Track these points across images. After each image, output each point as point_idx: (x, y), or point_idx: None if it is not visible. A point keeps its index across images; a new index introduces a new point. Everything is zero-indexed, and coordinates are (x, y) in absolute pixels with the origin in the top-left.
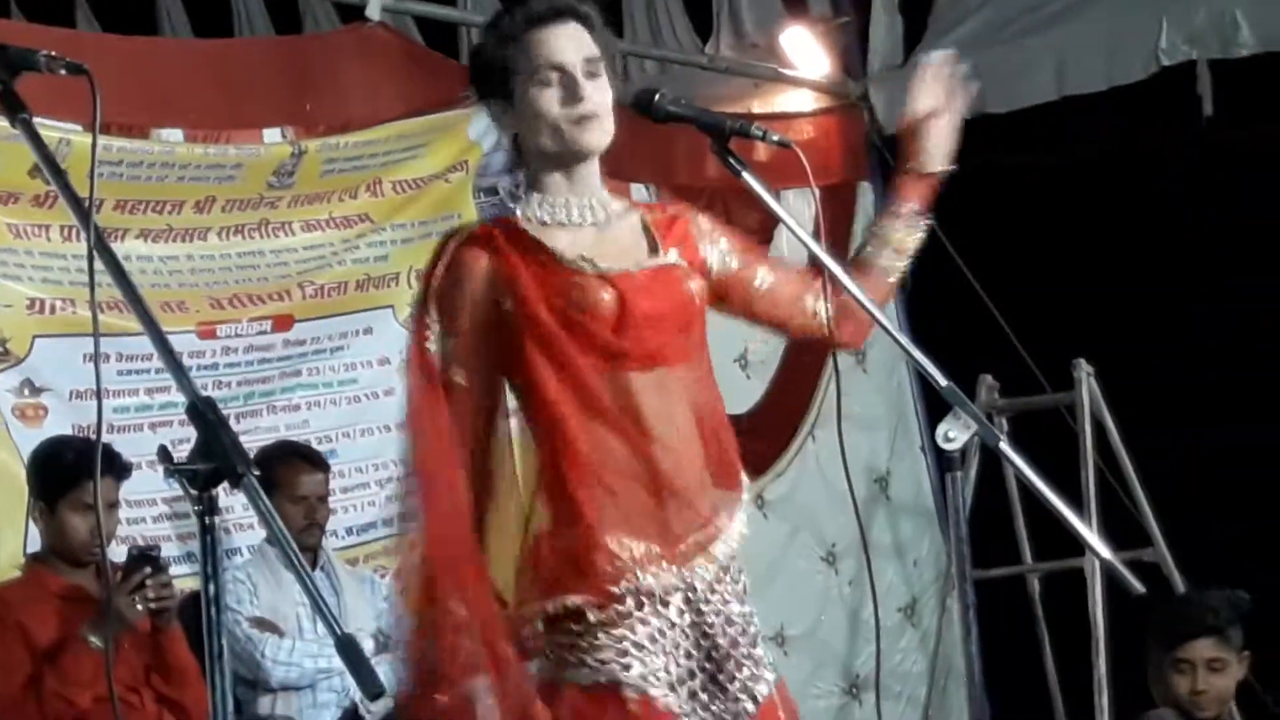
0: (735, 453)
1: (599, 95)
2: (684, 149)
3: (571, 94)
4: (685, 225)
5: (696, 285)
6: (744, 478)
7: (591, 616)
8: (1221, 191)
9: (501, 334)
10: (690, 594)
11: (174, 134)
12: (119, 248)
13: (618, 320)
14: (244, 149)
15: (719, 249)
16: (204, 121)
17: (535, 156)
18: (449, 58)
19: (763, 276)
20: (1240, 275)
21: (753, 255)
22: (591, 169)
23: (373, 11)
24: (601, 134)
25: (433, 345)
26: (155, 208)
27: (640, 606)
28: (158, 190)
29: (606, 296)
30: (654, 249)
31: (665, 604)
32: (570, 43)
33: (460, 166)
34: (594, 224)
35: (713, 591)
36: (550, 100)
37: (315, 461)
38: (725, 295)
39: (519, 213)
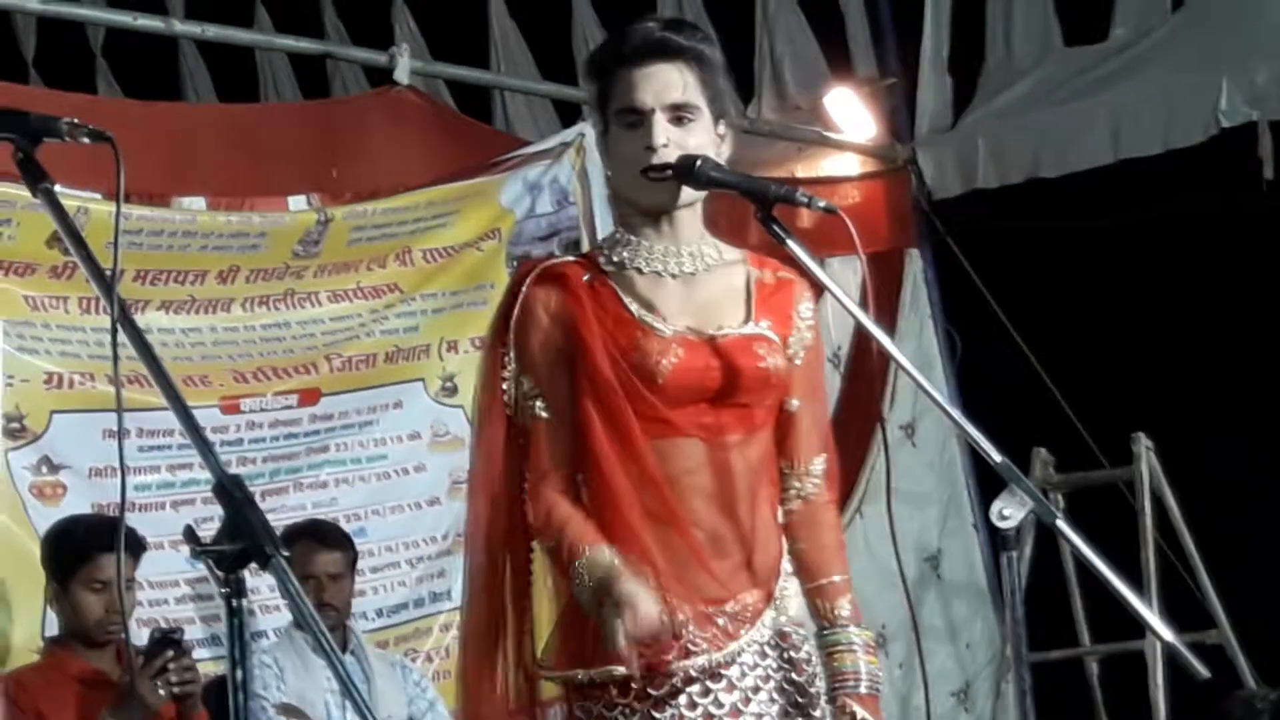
0: (778, 532)
1: (685, 141)
2: (727, 214)
3: (645, 140)
4: (789, 298)
5: (777, 361)
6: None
7: (634, 689)
8: None
9: (568, 368)
10: (727, 679)
11: (196, 202)
12: (140, 319)
13: (675, 387)
14: (268, 217)
15: (802, 340)
16: (227, 189)
17: (619, 197)
18: (481, 122)
19: (794, 404)
20: None
21: (806, 383)
22: (685, 217)
23: (402, 75)
24: (671, 189)
25: (507, 385)
26: (177, 278)
27: (690, 683)
28: (179, 260)
29: (667, 363)
30: (748, 315)
31: (718, 677)
32: (656, 84)
33: (493, 234)
34: (684, 275)
35: (773, 647)
36: (626, 144)
37: (326, 540)
38: None
39: (605, 251)
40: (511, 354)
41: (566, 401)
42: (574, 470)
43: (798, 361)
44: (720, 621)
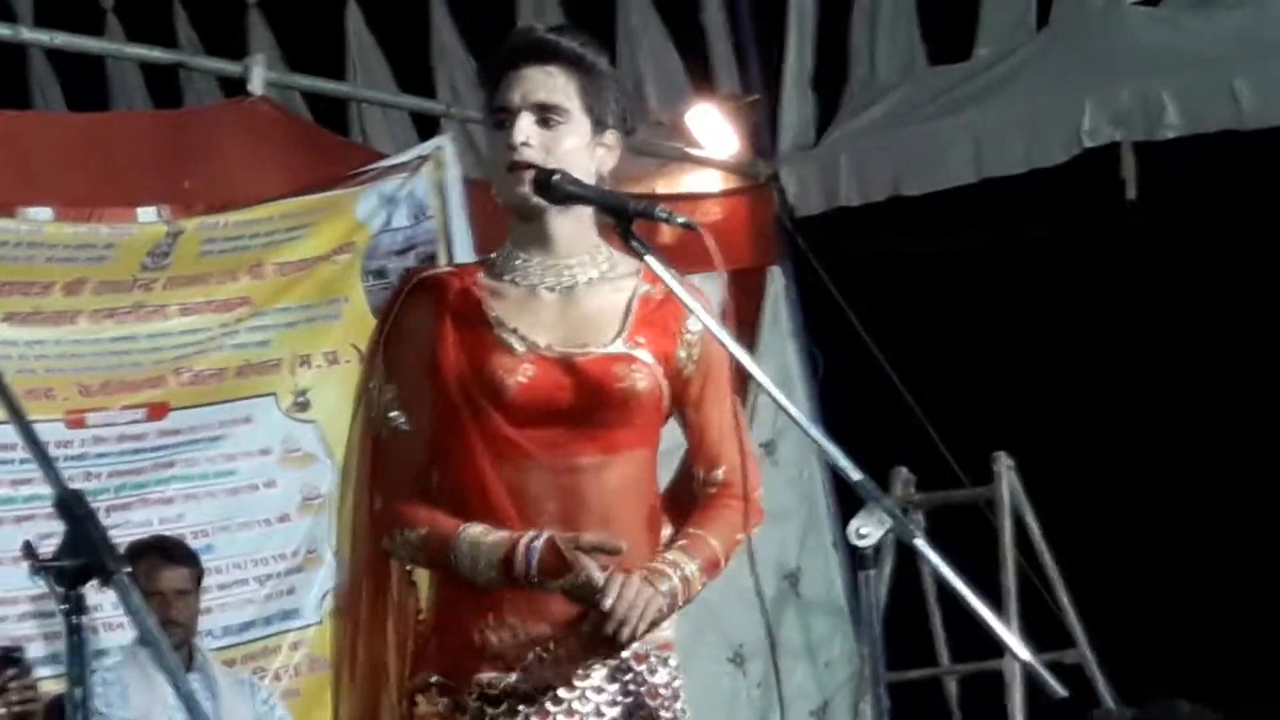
0: (653, 551)
1: (551, 143)
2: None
3: (507, 138)
4: (677, 312)
5: (643, 380)
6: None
7: (474, 701)
8: (1145, 277)
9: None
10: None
11: (43, 212)
12: None
13: (524, 408)
14: (117, 228)
15: (691, 351)
16: (76, 200)
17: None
18: (337, 133)
19: (690, 414)
20: (1165, 364)
21: (700, 390)
22: (565, 226)
23: (256, 85)
24: (531, 188)
25: (374, 391)
26: (22, 290)
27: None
28: (25, 271)
29: (514, 381)
30: (619, 332)
31: (558, 700)
32: (525, 85)
33: (347, 248)
34: (562, 289)
35: (623, 671)
36: (494, 144)
37: (172, 556)
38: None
39: (488, 263)
40: (380, 362)
41: (428, 419)
42: (425, 485)
43: (687, 374)
44: (567, 644)
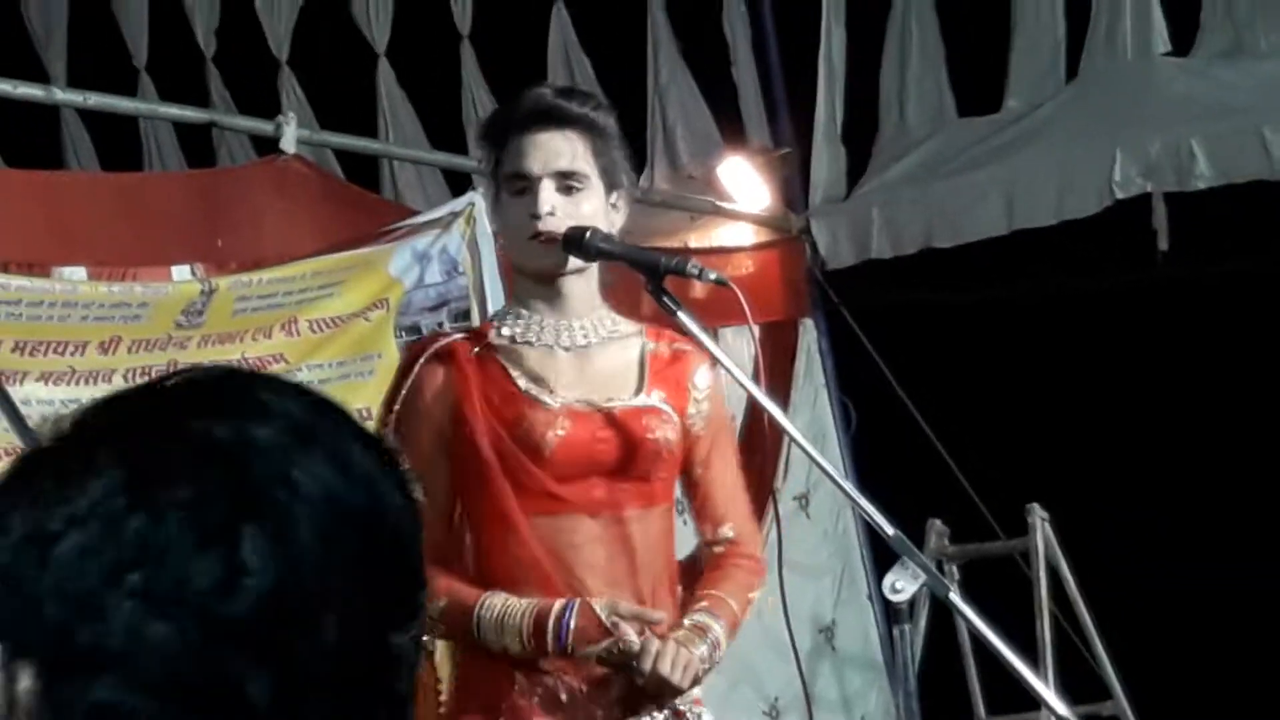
0: (674, 605)
1: (573, 209)
2: (618, 286)
3: (530, 207)
4: (684, 369)
5: (671, 433)
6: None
7: None
8: (1178, 328)
9: (454, 452)
10: None
11: (78, 272)
12: (18, 391)
13: (563, 461)
14: (151, 287)
15: (700, 409)
16: (109, 259)
17: (513, 264)
18: (369, 190)
19: (698, 472)
20: (1198, 415)
21: (709, 451)
22: (577, 287)
23: (288, 144)
24: (557, 254)
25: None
26: (57, 349)
27: None
28: (60, 331)
29: (553, 435)
30: (640, 386)
31: None
32: (544, 152)
33: (381, 304)
34: (576, 347)
35: None
36: (513, 211)
37: None
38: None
39: (497, 325)
40: (392, 435)
41: (444, 492)
42: (443, 558)
43: (696, 431)
44: (612, 698)
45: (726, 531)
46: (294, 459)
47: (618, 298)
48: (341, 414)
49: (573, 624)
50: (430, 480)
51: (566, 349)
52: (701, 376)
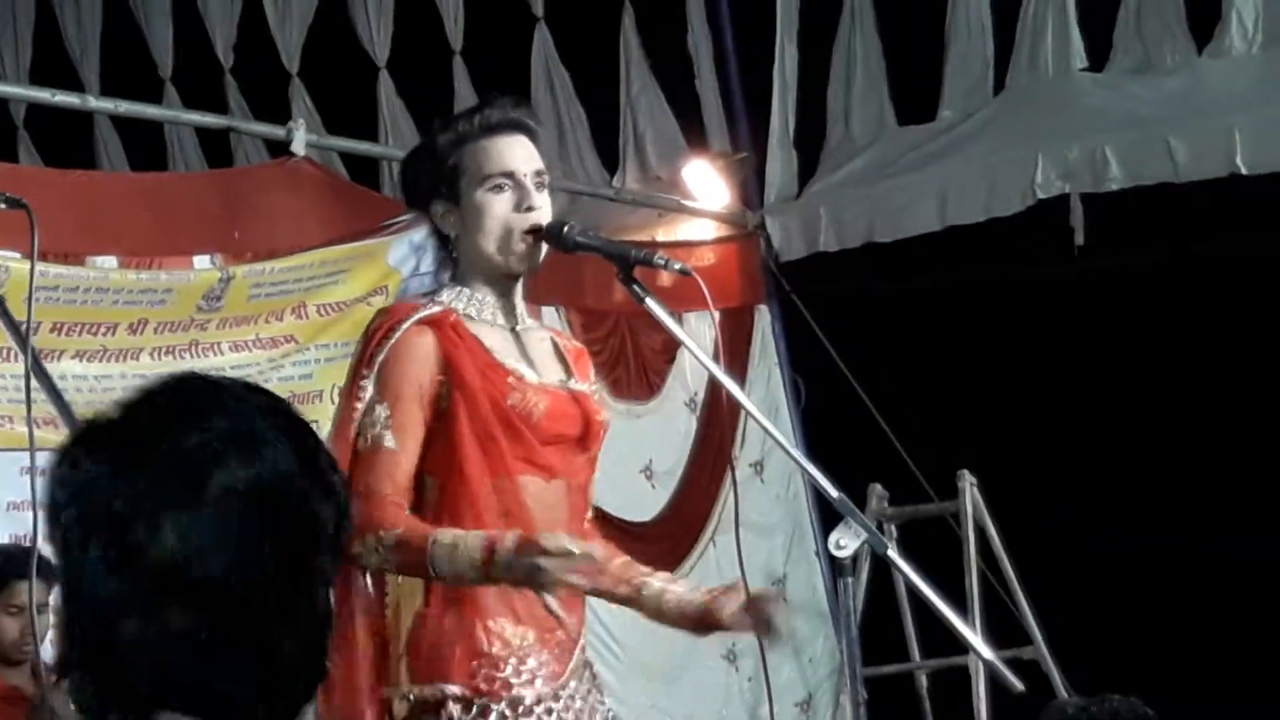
0: None
1: (546, 204)
2: (592, 275)
3: (523, 201)
4: (588, 362)
5: (603, 415)
6: None
7: (455, 712)
8: (1094, 315)
9: (438, 408)
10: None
11: (109, 261)
12: (55, 368)
13: (547, 429)
14: (175, 274)
15: (600, 398)
16: (138, 249)
17: (474, 260)
18: (370, 189)
19: None
20: (1112, 392)
21: None
22: (525, 278)
23: (298, 147)
24: (539, 251)
25: (358, 410)
26: (90, 330)
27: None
28: (93, 314)
29: (539, 406)
30: (569, 374)
31: (550, 711)
32: (523, 152)
33: (380, 291)
34: (513, 330)
35: (587, 694)
36: (502, 205)
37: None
38: None
39: (449, 304)
40: (372, 383)
41: (415, 440)
42: (403, 499)
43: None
44: (554, 650)
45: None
46: (231, 458)
47: (590, 286)
48: (283, 418)
49: (512, 542)
50: (407, 429)
51: (511, 330)
52: (593, 370)
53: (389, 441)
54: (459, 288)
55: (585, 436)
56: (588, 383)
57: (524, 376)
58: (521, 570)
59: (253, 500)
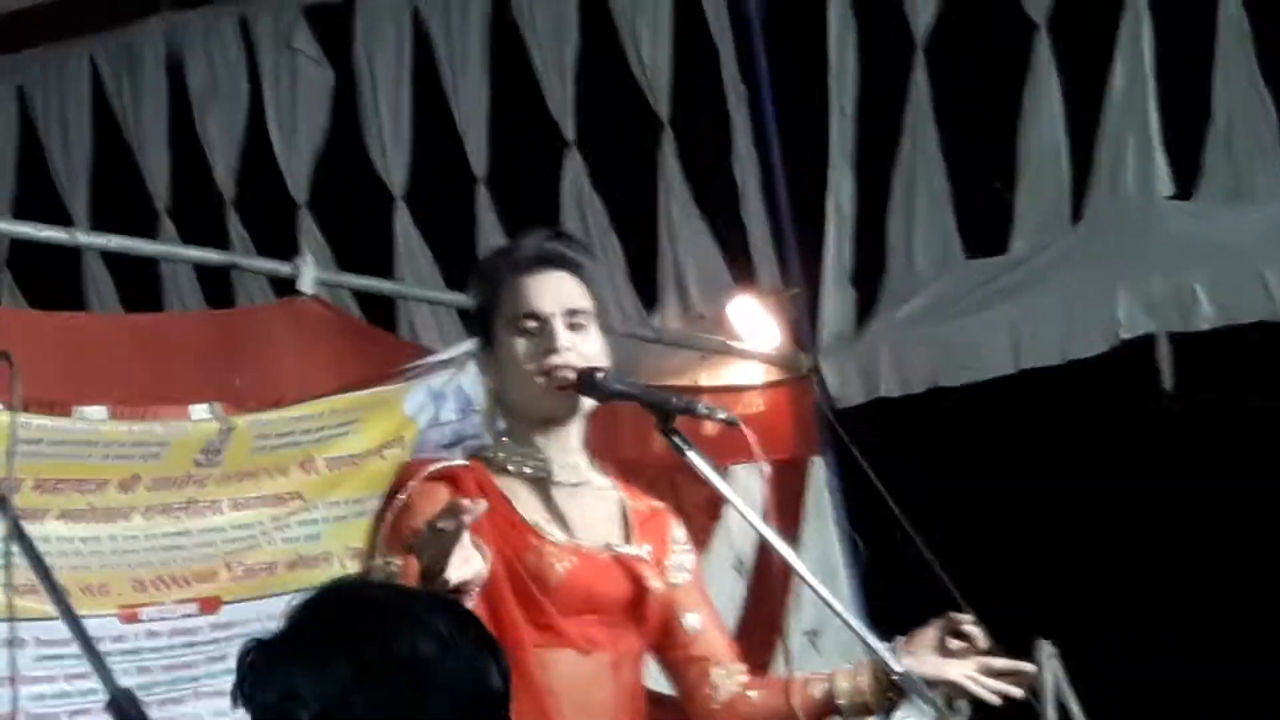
0: None
1: (584, 347)
2: (630, 423)
3: (546, 344)
4: (664, 525)
5: (659, 585)
6: None
7: None
8: (1184, 467)
9: None
10: None
11: (98, 411)
12: (38, 529)
13: (567, 595)
14: (170, 426)
15: (679, 562)
16: (129, 398)
17: (508, 408)
18: (385, 330)
19: (693, 619)
20: (1205, 551)
21: (699, 595)
22: (574, 427)
23: (306, 285)
24: (573, 399)
25: (374, 567)
26: (77, 487)
27: None
28: (80, 469)
29: (561, 568)
30: (627, 537)
31: None
32: (554, 290)
33: (395, 443)
34: (567, 486)
35: None
36: (522, 350)
37: None
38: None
39: (490, 457)
40: (383, 541)
41: None
42: None
43: (676, 581)
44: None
45: (739, 668)
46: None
47: (628, 436)
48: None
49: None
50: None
51: (559, 486)
52: (679, 530)
53: None
54: (504, 441)
55: (635, 605)
56: (642, 546)
57: (547, 535)
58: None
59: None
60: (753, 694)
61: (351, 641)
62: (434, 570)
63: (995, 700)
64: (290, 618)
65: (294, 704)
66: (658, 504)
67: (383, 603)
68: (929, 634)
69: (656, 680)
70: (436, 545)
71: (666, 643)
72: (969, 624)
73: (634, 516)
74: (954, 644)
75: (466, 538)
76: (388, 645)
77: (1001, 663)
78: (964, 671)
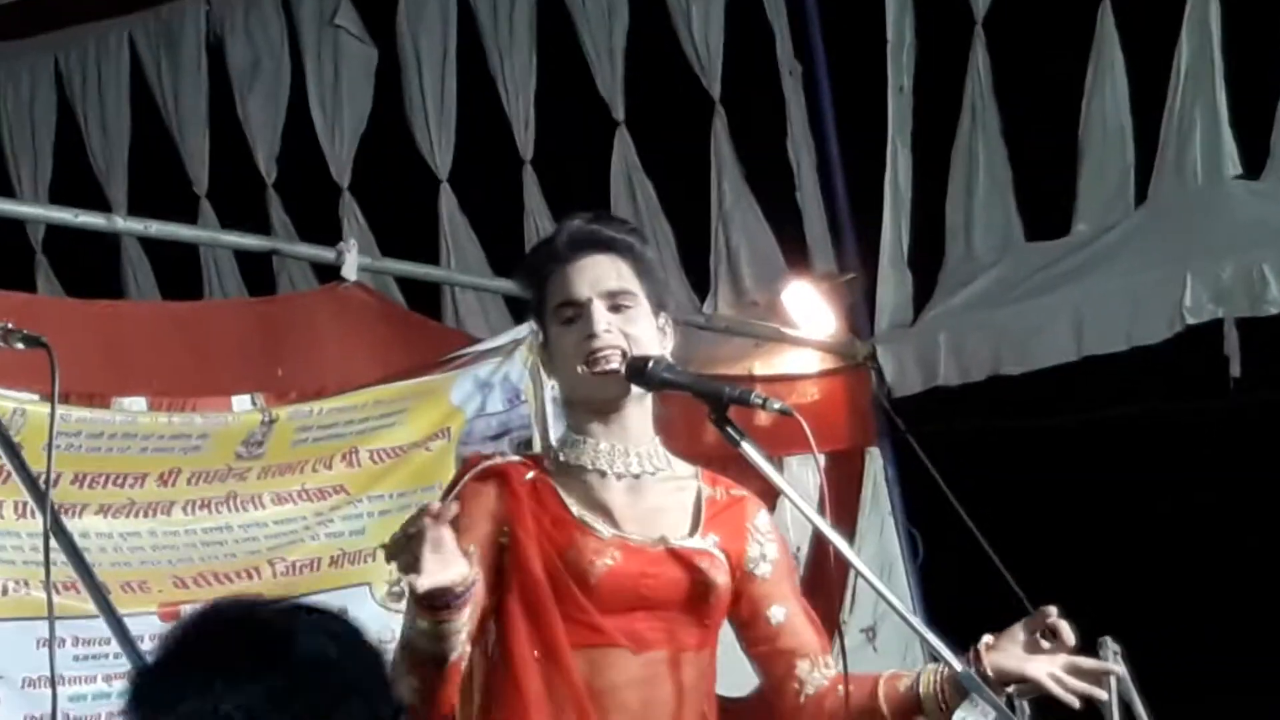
0: None
1: (627, 327)
2: (681, 415)
3: (585, 329)
4: (742, 514)
5: (721, 577)
6: None
7: None
8: (1252, 456)
9: (495, 570)
10: None
11: (137, 402)
12: (77, 524)
13: (608, 591)
14: (211, 418)
15: (763, 553)
16: (169, 389)
17: (563, 400)
18: (431, 318)
19: (778, 611)
20: (1274, 545)
21: (787, 586)
22: (633, 416)
23: (349, 271)
24: (617, 383)
25: None
26: (116, 481)
27: None
28: (119, 463)
29: (601, 564)
30: (694, 528)
31: None
32: (591, 275)
33: (442, 434)
34: (629, 477)
35: None
36: (566, 339)
37: None
38: (737, 596)
39: (553, 452)
40: None
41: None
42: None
43: (758, 573)
44: None
45: (827, 661)
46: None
47: (679, 427)
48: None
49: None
50: None
51: (620, 477)
52: (762, 519)
53: None
54: (569, 434)
55: (695, 600)
56: (711, 537)
57: (592, 530)
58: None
59: None
60: (839, 689)
61: (255, 658)
62: (407, 574)
63: (1075, 703)
64: (176, 641)
65: None
66: (740, 492)
67: (269, 619)
68: (1016, 631)
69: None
70: (407, 550)
71: (753, 636)
72: (1057, 619)
73: (708, 507)
74: (1043, 642)
75: (449, 542)
76: (289, 656)
77: (1089, 662)
78: (1048, 670)
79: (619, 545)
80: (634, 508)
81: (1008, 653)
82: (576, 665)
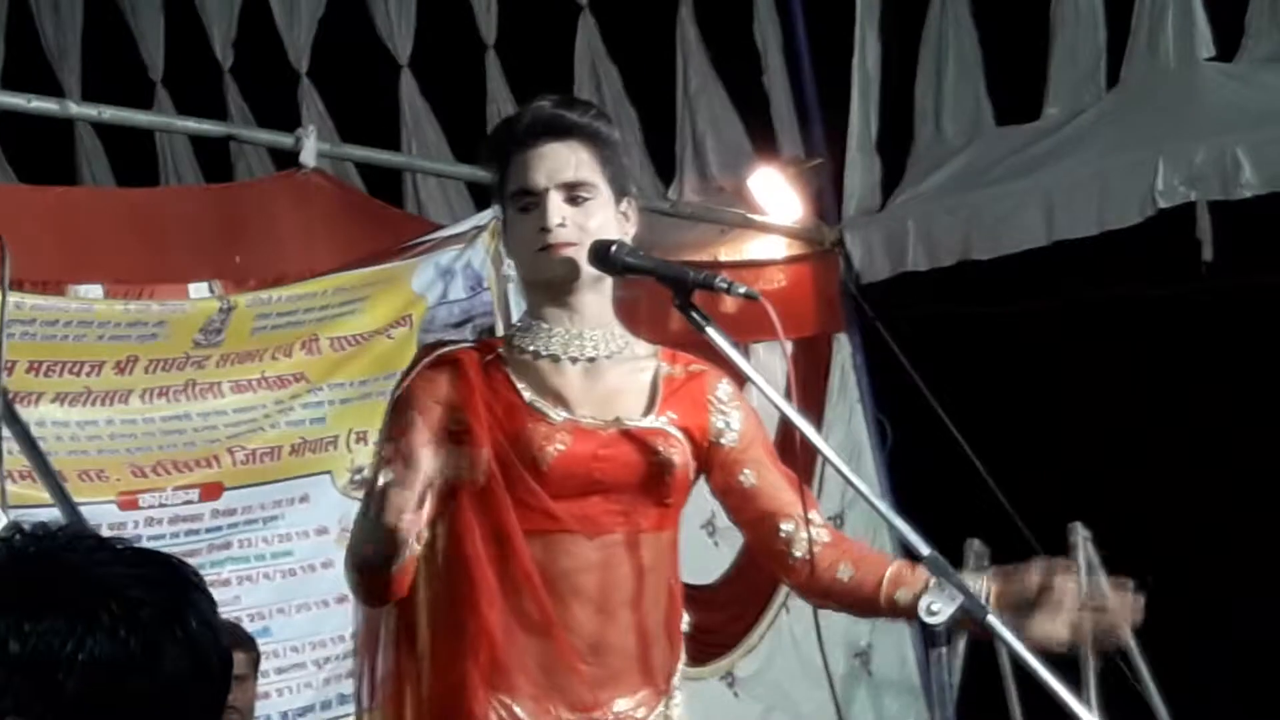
0: (679, 633)
1: (583, 220)
2: (645, 301)
3: (539, 222)
4: (701, 388)
5: (678, 456)
6: (680, 661)
7: None
8: (1223, 340)
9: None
10: None
11: (93, 290)
12: (33, 413)
13: (560, 476)
14: (168, 305)
15: (728, 422)
16: (125, 276)
17: (522, 284)
18: (391, 204)
19: (749, 475)
20: (1244, 426)
21: (758, 450)
22: (590, 299)
23: (308, 157)
24: (569, 263)
25: (380, 453)
26: (72, 369)
27: None
28: (75, 350)
29: (552, 449)
30: (650, 407)
31: None
32: (549, 163)
33: (404, 321)
34: (584, 360)
35: None
36: (521, 226)
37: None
38: (709, 469)
39: (508, 337)
40: (384, 428)
41: (416, 481)
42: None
43: (724, 442)
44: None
45: (815, 518)
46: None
47: (644, 313)
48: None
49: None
50: (405, 466)
51: (574, 360)
52: (724, 389)
53: (383, 477)
54: (525, 318)
55: (652, 480)
56: (666, 416)
57: (544, 415)
58: None
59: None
60: (844, 567)
61: (76, 598)
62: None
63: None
64: None
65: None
66: (700, 366)
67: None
68: (1026, 581)
69: (686, 571)
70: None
71: (732, 504)
72: (1067, 571)
73: (665, 385)
74: (1053, 595)
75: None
76: (113, 602)
77: (1112, 600)
78: (1072, 623)
79: (570, 429)
80: (590, 391)
81: (1023, 616)
82: (531, 552)
